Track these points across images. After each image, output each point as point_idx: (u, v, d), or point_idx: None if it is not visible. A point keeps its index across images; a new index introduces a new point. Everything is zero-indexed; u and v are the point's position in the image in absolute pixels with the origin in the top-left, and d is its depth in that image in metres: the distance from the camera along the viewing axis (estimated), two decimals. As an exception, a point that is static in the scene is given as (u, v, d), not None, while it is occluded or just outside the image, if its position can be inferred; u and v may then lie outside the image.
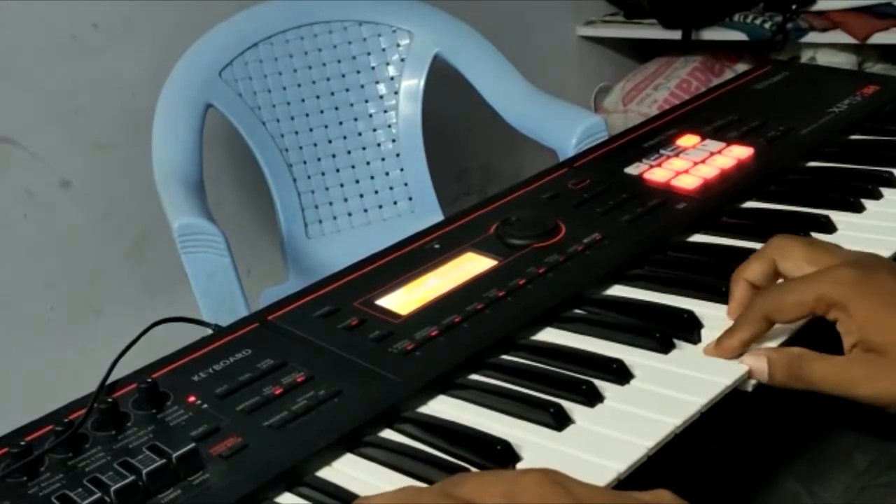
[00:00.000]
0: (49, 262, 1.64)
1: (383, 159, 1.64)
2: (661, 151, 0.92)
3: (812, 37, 2.16)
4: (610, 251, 0.76)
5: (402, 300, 0.72)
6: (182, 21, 1.67)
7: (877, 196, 0.82)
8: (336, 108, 1.63)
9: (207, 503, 0.54)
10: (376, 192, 1.64)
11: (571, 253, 0.76)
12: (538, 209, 0.82)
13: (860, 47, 2.16)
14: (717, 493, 0.59)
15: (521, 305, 0.70)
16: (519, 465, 0.56)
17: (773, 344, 0.63)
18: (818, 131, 0.94)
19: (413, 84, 1.62)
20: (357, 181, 1.64)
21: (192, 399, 0.62)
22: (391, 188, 1.64)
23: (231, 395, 0.62)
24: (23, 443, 0.57)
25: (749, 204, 0.85)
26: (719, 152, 0.90)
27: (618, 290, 0.74)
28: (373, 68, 1.63)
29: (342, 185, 1.63)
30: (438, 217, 1.52)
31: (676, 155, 0.91)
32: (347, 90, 1.63)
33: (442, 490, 0.46)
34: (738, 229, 0.80)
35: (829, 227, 0.78)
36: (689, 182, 0.86)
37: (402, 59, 1.62)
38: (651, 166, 0.89)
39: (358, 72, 1.63)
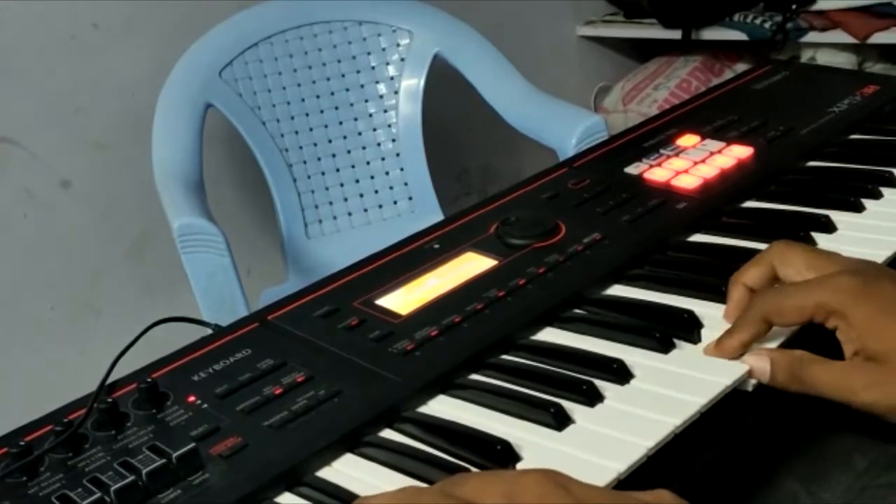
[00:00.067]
0: (49, 262, 1.64)
1: (383, 159, 1.64)
2: (661, 151, 0.92)
3: (812, 36, 2.16)
4: (610, 251, 0.76)
5: (402, 300, 0.72)
6: (182, 21, 1.67)
7: (877, 196, 0.82)
8: (336, 108, 1.63)
9: (207, 503, 0.54)
10: (376, 191, 1.64)
11: (571, 253, 0.76)
12: (538, 209, 0.82)
13: (860, 47, 2.16)
14: (717, 493, 0.59)
15: (521, 305, 0.70)
16: (519, 465, 0.56)
17: (773, 345, 0.63)
18: (818, 131, 0.94)
19: (413, 84, 1.62)
20: (357, 181, 1.64)
21: (192, 399, 0.62)
22: (391, 188, 1.64)
23: (231, 395, 0.62)
24: (23, 443, 0.57)
25: (749, 204, 0.85)
26: (719, 152, 0.90)
27: (618, 290, 0.74)
28: (373, 68, 1.63)
29: (342, 185, 1.63)
30: (438, 217, 1.52)
31: (676, 155, 0.91)
32: (347, 90, 1.63)
33: (442, 490, 0.46)
34: (738, 229, 0.80)
35: (830, 227, 0.78)
36: (689, 182, 0.86)
37: (402, 59, 1.62)
38: (651, 166, 0.89)
39: (358, 72, 1.63)
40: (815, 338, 0.63)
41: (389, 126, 1.64)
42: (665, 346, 0.64)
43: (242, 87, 1.53)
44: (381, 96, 1.64)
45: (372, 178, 1.64)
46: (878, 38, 2.09)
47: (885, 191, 0.83)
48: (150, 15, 1.68)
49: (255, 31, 1.56)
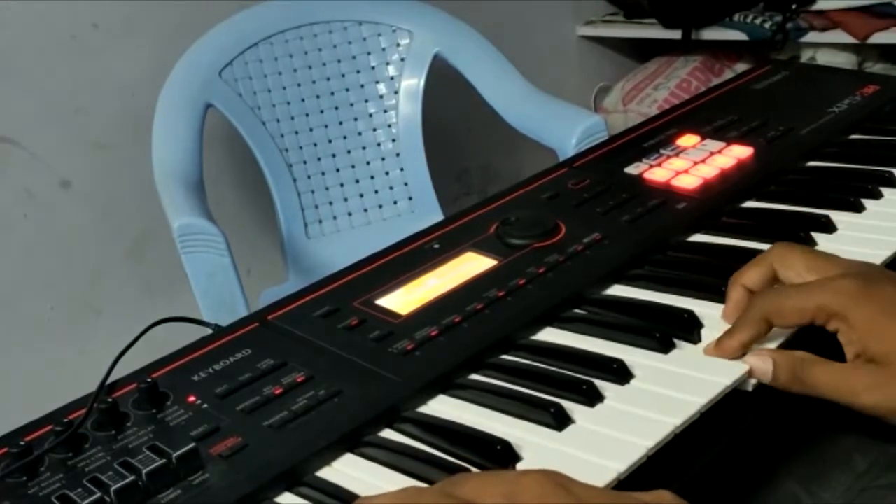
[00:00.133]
0: (49, 262, 1.64)
1: (383, 159, 1.64)
2: (661, 151, 0.92)
3: (812, 36, 2.16)
4: (610, 251, 0.76)
5: (402, 300, 0.72)
6: (182, 21, 1.67)
7: (877, 196, 0.82)
8: (336, 108, 1.63)
9: (207, 503, 0.54)
10: (376, 191, 1.64)
11: (571, 253, 0.76)
12: (538, 209, 0.82)
13: (860, 47, 2.16)
14: (717, 493, 0.59)
15: (521, 305, 0.70)
16: (519, 465, 0.56)
17: (772, 346, 0.63)
18: (818, 131, 0.94)
19: (413, 84, 1.62)
20: (357, 181, 1.64)
21: (192, 399, 0.62)
22: (391, 188, 1.64)
23: (231, 395, 0.62)
24: (23, 443, 0.57)
25: (749, 204, 0.85)
26: (719, 152, 0.90)
27: (618, 290, 0.74)
28: (373, 68, 1.63)
29: (342, 185, 1.63)
30: (438, 217, 1.52)
31: (676, 155, 0.91)
32: (347, 90, 1.63)
33: (442, 490, 0.46)
34: (738, 229, 0.80)
35: (830, 227, 0.78)
36: (689, 182, 0.86)
37: (402, 59, 1.62)
38: (651, 166, 0.89)
39: (358, 72, 1.63)
40: (817, 339, 0.63)
41: (389, 126, 1.64)
42: (665, 346, 0.64)
43: (242, 87, 1.53)
44: (381, 96, 1.64)
45: (372, 178, 1.64)
46: (878, 38, 2.09)
47: (885, 191, 0.83)
48: (150, 15, 1.68)
49: (255, 31, 1.56)
